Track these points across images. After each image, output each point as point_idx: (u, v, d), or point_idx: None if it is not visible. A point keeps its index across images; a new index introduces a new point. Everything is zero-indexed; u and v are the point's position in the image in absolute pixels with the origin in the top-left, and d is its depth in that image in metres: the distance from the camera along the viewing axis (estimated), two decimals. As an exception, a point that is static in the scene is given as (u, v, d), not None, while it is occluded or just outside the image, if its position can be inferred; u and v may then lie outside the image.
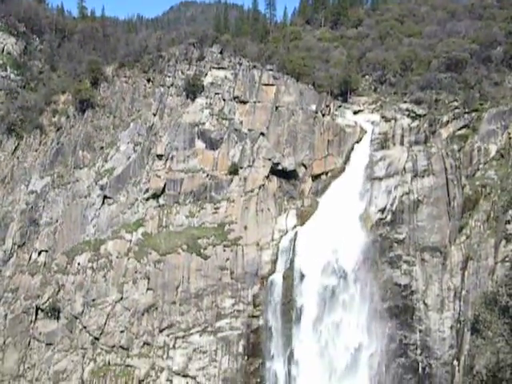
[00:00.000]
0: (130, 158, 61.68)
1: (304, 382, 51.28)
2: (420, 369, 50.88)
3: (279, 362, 53.06)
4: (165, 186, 59.37)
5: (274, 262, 54.84)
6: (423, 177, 53.98)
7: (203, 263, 55.83)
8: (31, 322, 58.89)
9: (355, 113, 61.71)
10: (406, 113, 58.50)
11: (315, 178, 57.53)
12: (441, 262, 52.17)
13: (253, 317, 54.55)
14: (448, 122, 56.74)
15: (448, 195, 53.27)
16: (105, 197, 60.94)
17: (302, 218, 55.65)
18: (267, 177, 57.73)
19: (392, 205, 53.58)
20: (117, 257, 57.84)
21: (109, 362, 55.82)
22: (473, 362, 49.19)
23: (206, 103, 61.65)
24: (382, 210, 53.53)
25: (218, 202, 57.70)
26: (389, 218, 53.30)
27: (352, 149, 57.53)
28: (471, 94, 57.47)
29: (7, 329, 59.60)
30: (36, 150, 67.16)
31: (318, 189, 57.10)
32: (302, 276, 52.79)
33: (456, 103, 57.64)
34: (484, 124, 55.79)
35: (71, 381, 55.97)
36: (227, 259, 55.63)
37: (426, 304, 51.57)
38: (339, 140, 57.77)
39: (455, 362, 50.20)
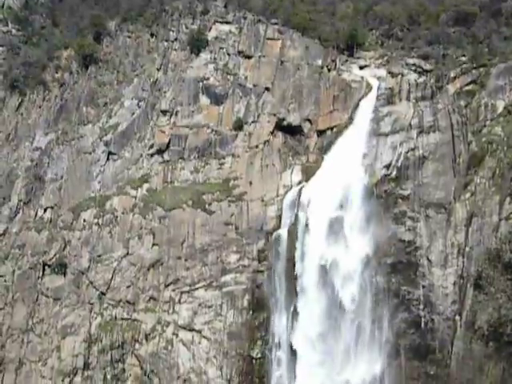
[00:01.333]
0: (134, 113, 61.49)
1: (307, 335, 52.05)
2: (422, 324, 51.26)
3: (283, 316, 53.57)
4: (169, 141, 59.24)
5: (279, 217, 54.93)
6: (429, 133, 53.45)
7: (208, 218, 56.09)
8: (38, 277, 59.75)
9: (361, 68, 60.70)
10: (413, 68, 57.70)
11: (320, 133, 57.04)
12: (445, 218, 52.10)
13: (258, 272, 54.94)
14: (455, 77, 55.86)
15: (454, 152, 52.86)
16: (109, 153, 61.04)
17: (307, 173, 55.44)
18: (272, 132, 57.39)
19: (397, 161, 53.24)
20: (122, 213, 58.25)
21: (115, 317, 56.65)
22: (475, 318, 49.77)
23: (211, 58, 61.03)
24: (387, 166, 53.23)
25: (222, 157, 57.61)
26: (394, 174, 53.03)
27: (358, 104, 56.74)
28: (480, 49, 56.47)
29: (15, 284, 60.50)
30: (40, 107, 66.99)
31: (323, 144, 56.71)
32: (307, 231, 53.04)
33: (464, 58, 56.70)
34: (492, 80, 54.88)
35: (79, 335, 57.01)
36: (232, 214, 55.84)
37: (429, 260, 51.73)
38: (345, 95, 57.08)
39: (457, 318, 50.57)
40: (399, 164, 53.20)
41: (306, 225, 52.93)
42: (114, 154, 60.89)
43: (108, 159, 61.02)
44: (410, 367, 51.01)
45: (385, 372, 50.88)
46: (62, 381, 56.04)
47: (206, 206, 56.25)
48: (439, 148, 52.88)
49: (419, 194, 52.60)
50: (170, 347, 55.08)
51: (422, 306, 51.45)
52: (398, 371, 50.94)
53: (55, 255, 59.62)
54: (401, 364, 51.11)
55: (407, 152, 53.25)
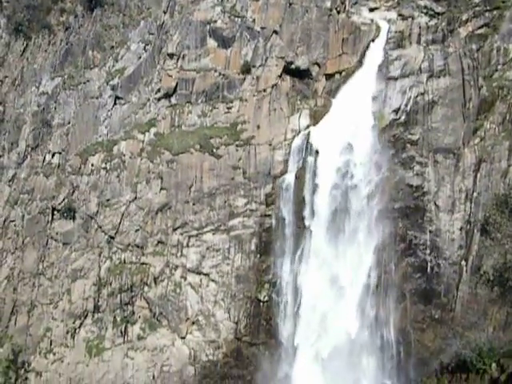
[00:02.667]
0: (140, 57, 60.57)
1: (312, 277, 52.75)
2: (428, 268, 51.79)
3: (290, 259, 54.12)
4: (176, 85, 58.34)
5: (287, 161, 54.75)
6: (439, 77, 52.77)
7: (216, 163, 55.89)
8: (48, 222, 60.13)
9: (371, 10, 59.15)
10: (424, 10, 56.32)
11: (329, 77, 56.05)
12: (453, 163, 52.02)
13: (265, 216, 55.15)
14: (467, 20, 54.71)
15: (464, 96, 52.28)
16: (116, 97, 60.38)
17: (315, 117, 54.88)
18: (280, 76, 56.36)
19: (406, 105, 52.76)
20: (130, 157, 58.08)
21: (124, 260, 57.28)
22: (480, 263, 50.32)
23: (218, 0, 59.80)
24: (396, 111, 52.82)
25: (230, 101, 56.81)
26: (403, 118, 52.69)
27: (367, 47, 55.59)
28: (493, -9, 55.29)
29: (25, 229, 61.00)
30: (45, 51, 66.10)
31: (331, 88, 55.86)
32: (315, 175, 53.07)
33: (477, 0, 55.14)
34: (505, 23, 53.76)
35: (88, 278, 57.78)
36: (240, 159, 55.62)
37: (437, 205, 51.87)
38: (354, 38, 55.93)
39: (463, 263, 51.03)
40: (408, 108, 52.79)
41: (314, 169, 53.06)
42: (121, 98, 60.25)
43: (115, 104, 60.46)
44: (415, 311, 51.78)
45: (390, 315, 51.73)
46: (73, 323, 57.07)
47: (214, 150, 55.99)
48: (449, 93, 52.30)
49: (428, 139, 52.37)
50: (178, 290, 55.91)
51: (428, 251, 51.91)
52: (403, 315, 51.75)
53: (64, 200, 59.89)
54: (406, 308, 51.87)
55: (416, 96, 52.74)
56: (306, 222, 53.55)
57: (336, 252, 52.05)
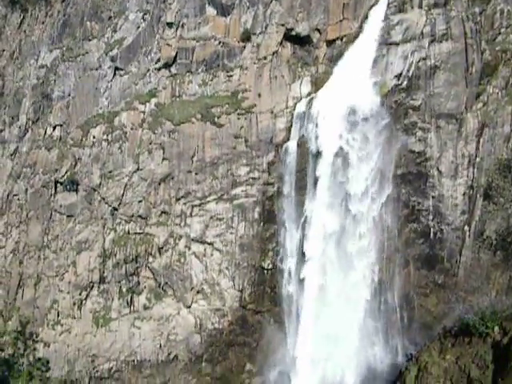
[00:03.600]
0: (139, 27, 60.02)
1: (316, 245, 52.94)
2: (431, 234, 51.84)
3: (293, 227, 54.32)
4: (176, 54, 57.94)
5: (289, 129, 54.66)
6: (441, 42, 52.08)
7: (217, 132, 55.81)
8: (51, 195, 60.33)
9: (372, -26, 58.85)
10: (426, -27, 55.85)
11: (330, 43, 55.49)
12: (456, 128, 51.68)
13: (268, 184, 55.28)
14: (470, -18, 54.17)
15: (466, 61, 51.70)
16: (116, 68, 60.05)
17: (317, 84, 54.60)
18: (281, 43, 55.85)
19: (408, 71, 52.24)
20: (131, 128, 58.01)
21: (128, 231, 57.57)
22: (483, 228, 50.31)
23: (216, -33, 59.14)
24: (398, 76, 52.33)
25: (230, 69, 56.45)
26: (405, 84, 52.20)
27: (368, 13, 54.84)
28: (497, -50, 54.31)
29: (28, 203, 61.27)
30: (43, 23, 65.62)
31: (332, 55, 55.35)
32: (317, 142, 52.78)
33: (479, -38, 54.68)
34: (509, -16, 53.15)
35: (93, 250, 58.12)
36: (241, 127, 55.48)
37: (439, 171, 51.70)
38: (355, 3, 55.12)
39: (466, 228, 51.02)
40: (410, 74, 52.26)
41: (316, 136, 52.91)
42: (121, 69, 59.89)
43: (115, 75, 60.14)
44: (418, 276, 52.00)
45: (394, 281, 51.99)
46: (80, 294, 57.58)
47: (215, 119, 55.87)
48: (451, 57, 51.71)
49: (430, 105, 51.95)
50: (182, 260, 56.32)
51: (431, 217, 51.89)
52: (406, 280, 52.01)
53: (66, 173, 59.98)
54: (409, 273, 52.09)
55: (418, 61, 52.15)
56: (309, 189, 53.59)
57: (339, 219, 52.16)
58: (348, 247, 51.78)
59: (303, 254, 53.22)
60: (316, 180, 53.05)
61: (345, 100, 51.87)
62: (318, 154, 52.97)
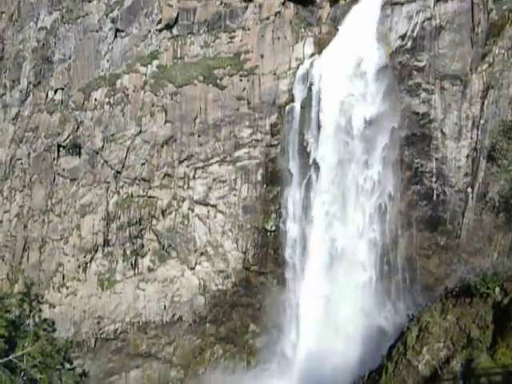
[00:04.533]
0: (139, -13, 59.40)
1: (320, 204, 53.05)
2: (434, 196, 51.81)
3: (297, 188, 54.46)
4: (177, 15, 57.05)
5: (291, 90, 54.28)
6: (447, 1, 51.02)
7: (220, 94, 55.42)
8: (54, 159, 60.32)
9: None
10: None
11: (333, 3, 54.56)
12: (461, 90, 51.12)
13: (271, 146, 55.16)
14: None
15: (472, 21, 50.79)
16: (117, 30, 59.27)
17: (320, 45, 53.86)
18: (283, 3, 54.97)
19: (413, 31, 51.43)
20: (133, 91, 57.53)
21: (132, 194, 57.67)
22: (486, 189, 50.21)
23: None
24: (403, 37, 51.55)
25: (232, 30, 55.69)
26: (409, 44, 51.45)
27: (372, -29, 54.27)
28: None
29: (31, 167, 61.30)
30: (42, -16, 64.73)
31: (336, 15, 54.48)
32: (320, 104, 52.43)
33: None
34: None
35: (97, 213, 58.33)
36: (244, 89, 55.06)
37: (443, 133, 51.35)
38: (359, -39, 54.50)
39: (469, 190, 50.95)
40: (415, 34, 51.47)
41: (319, 97, 52.48)
42: (122, 30, 59.16)
43: (116, 36, 59.42)
44: (421, 238, 52.16)
45: (396, 243, 52.23)
46: (84, 257, 58.04)
47: (218, 80, 55.46)
48: (457, 17, 50.78)
49: (435, 66, 51.29)
50: (186, 222, 56.55)
51: (434, 179, 51.78)
52: (409, 242, 52.22)
53: (69, 136, 59.83)
54: (412, 235, 52.27)
55: (423, 22, 51.29)
56: (312, 150, 53.48)
57: (342, 179, 52.11)
58: (352, 207, 51.94)
59: (307, 216, 53.46)
60: (319, 140, 52.97)
61: (348, 61, 51.33)
62: (322, 115, 52.77)
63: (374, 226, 51.48)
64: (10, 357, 15.06)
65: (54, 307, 56.68)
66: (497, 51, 50.76)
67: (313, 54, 54.20)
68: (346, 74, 51.38)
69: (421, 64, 51.45)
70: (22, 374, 15.46)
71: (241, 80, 55.20)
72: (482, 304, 23.85)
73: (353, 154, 51.94)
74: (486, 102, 50.60)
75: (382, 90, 51.07)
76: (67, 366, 16.38)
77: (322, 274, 52.46)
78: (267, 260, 56.27)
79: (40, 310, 17.15)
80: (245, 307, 56.28)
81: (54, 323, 17.10)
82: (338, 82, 51.53)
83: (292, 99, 54.31)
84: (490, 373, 21.12)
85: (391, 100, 51.03)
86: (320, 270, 52.62)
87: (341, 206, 52.18)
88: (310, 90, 53.29)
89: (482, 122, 50.63)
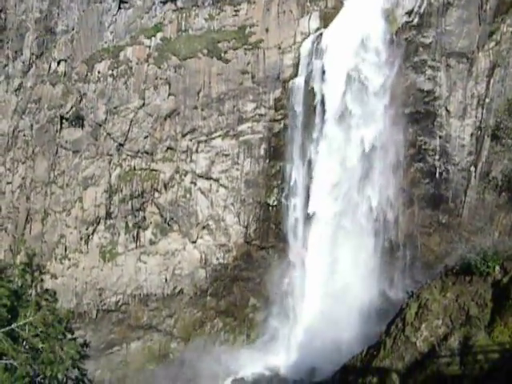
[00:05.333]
0: (142, -41, 58.55)
1: (320, 181, 53.09)
2: (437, 174, 51.86)
3: (299, 164, 54.48)
4: (182, -13, 56.95)
5: (296, 65, 53.88)
6: (455, -23, 50.73)
7: (224, 67, 55.02)
8: (57, 131, 59.95)
9: None
10: None
11: (340, -24, 54.36)
12: (467, 68, 50.78)
13: (274, 121, 55.03)
14: None
15: (481, -3, 50.44)
16: (121, 1, 58.31)
17: (326, 20, 53.19)
18: (289, -24, 54.72)
19: (420, 7, 50.90)
20: (137, 63, 57.00)
21: (134, 167, 57.50)
22: (489, 168, 50.23)
23: None
24: (409, 13, 51.03)
25: (238, 3, 54.92)
26: (416, 21, 50.96)
27: None
28: None
29: (34, 139, 60.99)
30: (44, -48, 63.82)
31: (342, -10, 54.31)
32: (325, 79, 52.08)
33: None
34: None
35: (99, 186, 58.27)
36: (248, 63, 54.65)
37: (448, 110, 51.16)
38: None
39: (472, 168, 50.94)
40: (422, 10, 50.96)
41: (324, 72, 52.09)
42: (126, 2, 58.30)
43: (119, 8, 58.65)
44: (422, 216, 52.35)
45: (398, 220, 52.35)
46: (86, 229, 58.12)
47: (222, 54, 54.97)
48: (465, -7, 50.32)
49: (441, 43, 50.88)
50: (188, 195, 56.62)
51: (437, 157, 51.76)
52: (410, 219, 52.37)
53: (72, 108, 59.49)
54: (414, 212, 52.40)
55: (431, -2, 50.99)
56: (316, 125, 53.29)
57: (345, 154, 52.06)
58: (355, 181, 51.99)
59: (310, 190, 53.55)
60: (324, 116, 52.70)
61: (354, 37, 50.88)
62: (326, 91, 52.40)
63: (377, 199, 51.57)
64: (13, 326, 15.17)
65: (56, 278, 57.07)
66: (504, 29, 50.29)
67: (318, 29, 53.64)
68: (351, 49, 50.99)
69: (427, 41, 51.03)
70: (25, 343, 15.61)
71: (245, 54, 54.75)
72: (482, 282, 24.00)
73: (358, 130, 51.85)
74: (491, 81, 50.29)
75: (388, 64, 50.73)
76: (69, 336, 16.50)
77: (324, 249, 52.74)
78: (269, 234, 56.54)
79: (42, 280, 17.24)
80: (245, 281, 56.71)
81: (55, 294, 17.18)
82: (343, 57, 51.15)
83: (296, 74, 53.97)
84: (487, 350, 21.33)
85: (396, 76, 50.77)
86: (322, 245, 52.89)
87: (344, 181, 52.17)
88: (314, 64, 52.84)
89: (487, 100, 50.40)
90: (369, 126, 51.13)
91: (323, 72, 52.00)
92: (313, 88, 52.86)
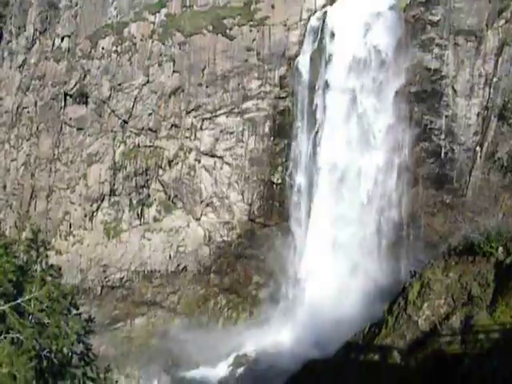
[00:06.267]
0: None
1: (327, 155, 53.09)
2: (442, 153, 51.57)
3: (304, 142, 54.38)
4: (187, -36, 56.13)
5: (302, 42, 53.49)
6: (465, -48, 49.89)
7: (229, 44, 54.62)
8: (61, 108, 59.83)
9: None
10: None
11: (347, -48, 53.56)
12: (475, 46, 50.17)
13: (279, 98, 54.71)
14: None
15: (490, -27, 49.66)
16: (125, -24, 58.35)
17: (332, -4, 53.01)
18: (296, -49, 53.92)
19: (428, -17, 50.54)
20: (141, 39, 56.57)
21: (138, 144, 57.47)
22: (495, 149, 49.95)
23: None
24: (418, -11, 50.63)
25: (244, -22, 54.81)
26: (424, -2, 50.61)
27: None
28: None
29: (38, 116, 60.87)
30: None
31: (350, -36, 53.50)
32: (330, 58, 51.82)
33: None
34: None
35: (104, 163, 58.28)
36: (254, 40, 54.22)
37: (454, 90, 50.69)
38: None
39: (478, 148, 50.67)
40: (430, -13, 50.51)
41: (330, 50, 51.69)
42: (130, -23, 58.20)
43: (123, -17, 58.45)
44: (426, 195, 52.21)
45: (402, 199, 52.27)
46: (91, 206, 58.27)
47: (227, 30, 54.57)
48: (475, -31, 49.58)
49: (449, 20, 50.23)
50: (192, 173, 56.60)
51: (443, 136, 51.45)
52: (415, 198, 52.28)
53: (75, 85, 59.24)
54: (418, 192, 52.29)
55: (440, -27, 50.27)
56: (320, 103, 52.97)
57: (350, 132, 51.89)
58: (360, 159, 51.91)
59: (314, 168, 53.49)
60: (329, 93, 52.45)
61: (361, 14, 50.37)
62: (332, 69, 52.11)
63: (381, 177, 51.50)
64: (19, 300, 15.33)
65: (61, 255, 57.38)
66: (515, 7, 49.65)
67: (325, 5, 53.10)
68: (358, 27, 50.50)
69: (435, 18, 50.39)
70: (30, 317, 15.76)
71: (250, 30, 54.26)
72: (485, 263, 24.06)
73: (362, 107, 51.56)
74: (500, 60, 49.74)
75: (395, 41, 50.24)
76: (74, 311, 16.64)
77: (328, 225, 52.84)
78: (272, 212, 56.60)
79: (47, 256, 17.31)
80: (249, 259, 56.89)
81: (60, 269, 17.27)
82: (349, 34, 50.73)
83: (302, 51, 53.54)
84: (489, 330, 21.46)
85: (403, 55, 50.31)
86: (326, 223, 52.97)
87: (349, 159, 52.06)
88: (320, 42, 52.60)
89: (494, 79, 49.89)
90: (374, 103, 50.88)
91: (329, 49, 51.68)
92: (318, 65, 52.50)
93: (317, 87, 53.09)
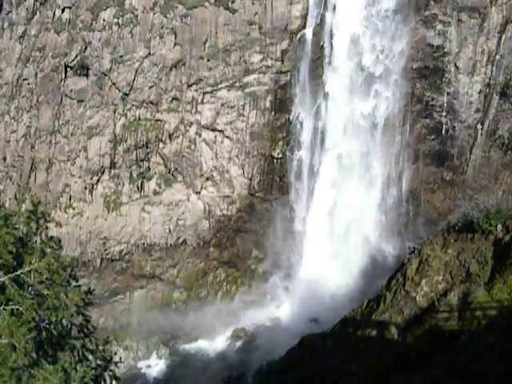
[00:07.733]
0: None
1: (330, 132, 53.00)
2: (443, 130, 51.50)
3: (306, 117, 54.19)
4: None
5: (305, 16, 52.84)
6: None
7: (231, 17, 54.03)
8: (61, 80, 59.34)
9: None
10: None
11: None
12: (478, 23, 49.70)
13: (281, 73, 54.38)
14: None
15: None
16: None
17: (336, -30, 52.15)
18: None
19: (433, -42, 49.78)
20: (142, 11, 55.88)
21: (139, 117, 57.15)
22: (497, 126, 49.86)
23: None
24: (422, -35, 49.87)
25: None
26: (428, -28, 49.88)
27: None
28: None
29: (39, 87, 60.38)
30: None
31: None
32: (333, 31, 51.37)
33: None
34: None
35: (104, 135, 58.05)
36: (256, 13, 53.61)
37: (457, 67, 50.38)
38: None
39: (479, 126, 50.54)
40: (434, -37, 49.76)
41: (332, 24, 51.18)
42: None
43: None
44: (427, 172, 52.32)
45: (402, 175, 52.32)
46: (91, 179, 58.21)
47: (229, 4, 53.92)
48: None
49: (453, -4, 49.87)
50: (193, 146, 56.51)
51: (444, 113, 51.28)
52: (415, 175, 52.34)
53: (76, 57, 58.71)
54: (418, 169, 52.33)
55: (444, -39, 49.49)
56: (323, 78, 52.72)
57: (352, 106, 51.65)
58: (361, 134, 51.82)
59: (316, 143, 53.43)
60: (332, 68, 52.18)
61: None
62: (335, 43, 51.69)
63: (381, 151, 51.52)
64: (18, 272, 15.37)
65: (61, 227, 57.50)
66: (519, -17, 49.05)
67: (327, -21, 52.46)
68: (360, 2, 49.93)
69: (439, -6, 49.91)
70: (30, 289, 15.83)
71: (253, 4, 53.60)
72: (483, 240, 24.03)
73: (365, 83, 51.26)
74: (503, 37, 49.33)
75: (398, 21, 49.76)
76: (73, 283, 16.71)
77: (332, 202, 53.03)
78: (272, 187, 56.68)
79: (47, 228, 17.29)
80: (248, 233, 57.13)
81: (60, 241, 17.30)
82: (352, 9, 50.23)
83: (304, 25, 53.08)
84: (486, 307, 21.56)
85: (406, 31, 49.87)
86: (330, 198, 53.12)
87: (350, 133, 51.95)
88: (323, 16, 52.03)
89: (497, 57, 49.55)
90: (377, 79, 50.60)
91: (332, 24, 51.18)
92: (321, 39, 52.02)
93: (319, 61, 52.63)
